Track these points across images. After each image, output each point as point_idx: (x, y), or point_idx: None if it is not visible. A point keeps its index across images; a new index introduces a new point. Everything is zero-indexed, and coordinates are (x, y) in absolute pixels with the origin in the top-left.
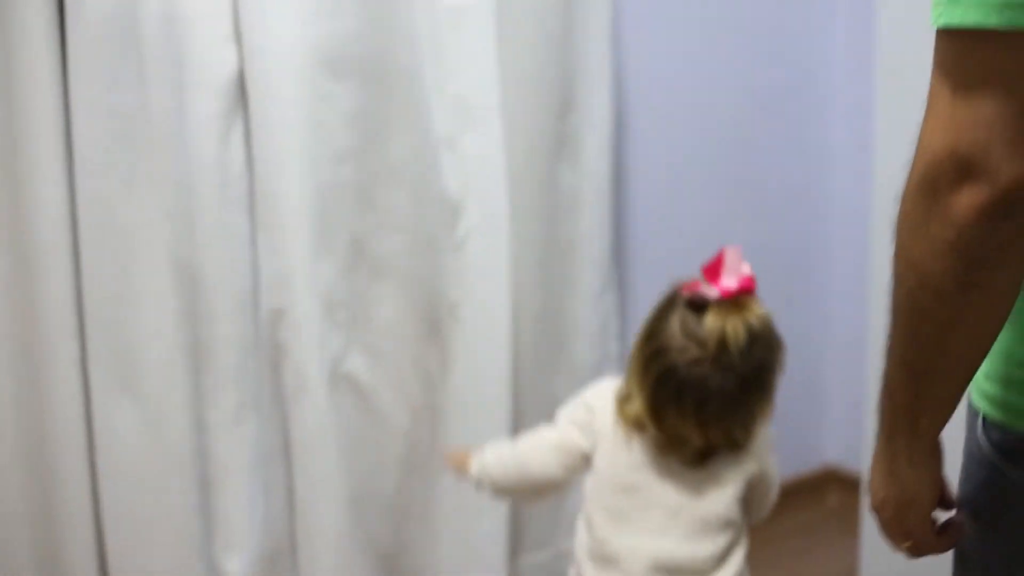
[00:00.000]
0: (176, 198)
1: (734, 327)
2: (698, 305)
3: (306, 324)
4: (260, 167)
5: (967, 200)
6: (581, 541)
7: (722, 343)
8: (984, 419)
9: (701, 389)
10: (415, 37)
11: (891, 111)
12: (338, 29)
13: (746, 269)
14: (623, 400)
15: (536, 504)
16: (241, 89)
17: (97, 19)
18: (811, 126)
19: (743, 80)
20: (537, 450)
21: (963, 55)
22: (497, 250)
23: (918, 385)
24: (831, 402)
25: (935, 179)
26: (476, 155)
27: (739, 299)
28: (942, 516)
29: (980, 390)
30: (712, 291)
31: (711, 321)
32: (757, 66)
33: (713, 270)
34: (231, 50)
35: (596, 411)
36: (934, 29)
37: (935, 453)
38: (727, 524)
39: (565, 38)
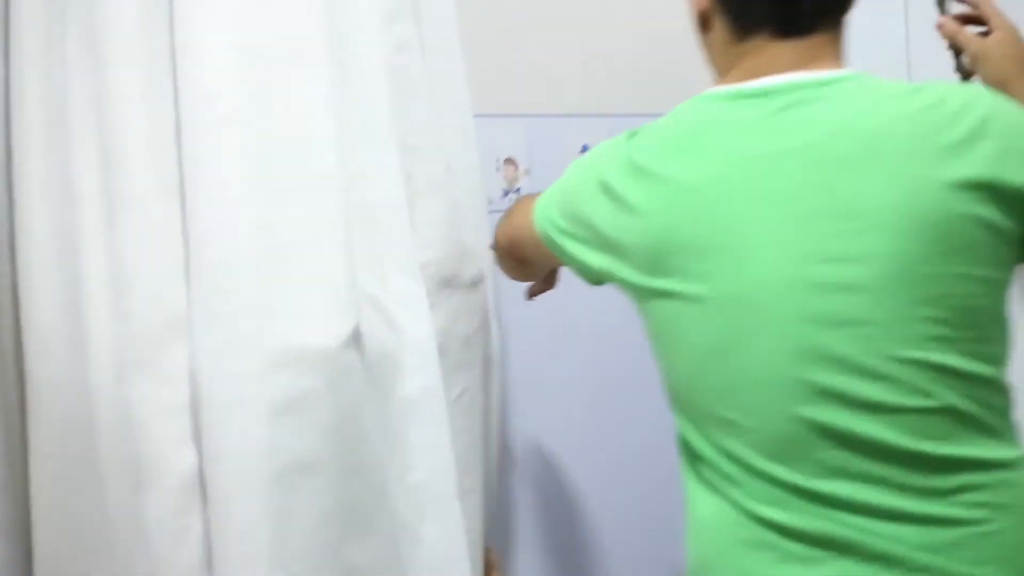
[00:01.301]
0: None
1: None
2: None
3: None
4: (221, 567)
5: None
6: None
7: None
8: None
9: None
10: (374, 429)
11: None
12: (303, 425)
13: None
14: None
15: None
16: (201, 487)
17: (48, 424)
18: None
19: None
20: None
21: (530, 216)
22: None
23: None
24: None
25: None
26: (440, 542)
27: None
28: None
29: None
30: None
31: None
32: None
33: None
34: (190, 450)
35: None
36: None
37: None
38: None
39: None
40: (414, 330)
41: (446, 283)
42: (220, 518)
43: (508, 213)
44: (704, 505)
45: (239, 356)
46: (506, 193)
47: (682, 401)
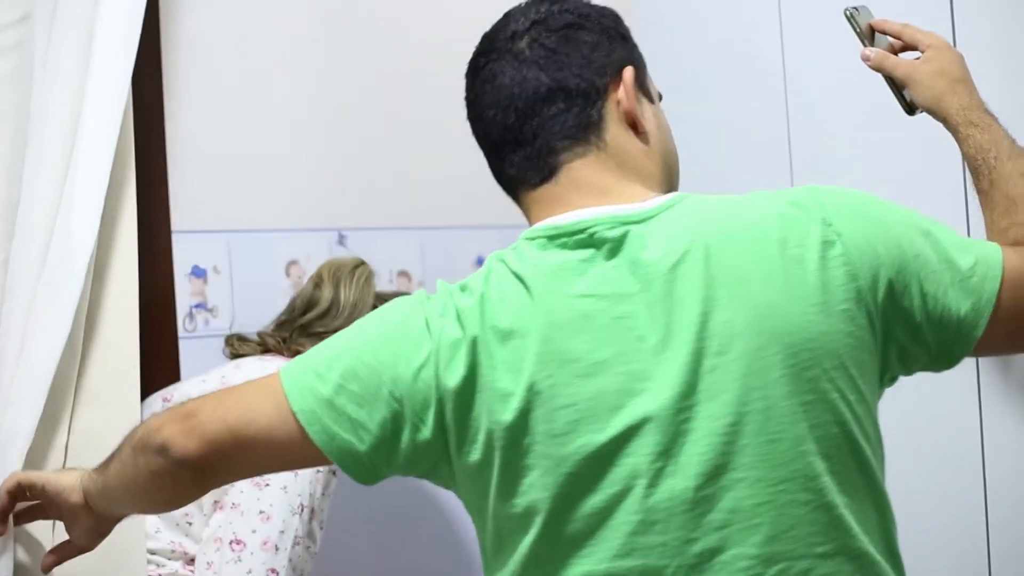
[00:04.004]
0: None
1: None
2: None
3: None
4: None
5: None
6: None
7: None
8: None
9: None
10: None
11: None
12: None
13: None
14: None
15: None
16: None
17: None
18: None
19: None
20: None
21: (274, 395)
22: None
23: None
24: None
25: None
26: None
27: None
28: None
29: None
30: None
31: None
32: None
33: None
34: None
35: None
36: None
37: None
38: None
39: None
40: None
41: None
42: None
43: (185, 414)
44: None
45: None
46: None
47: None
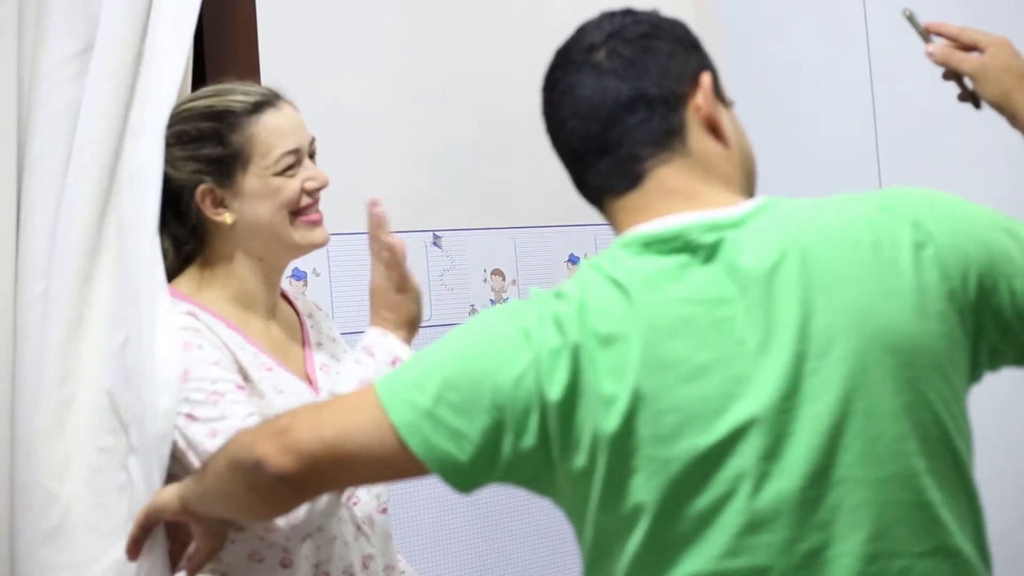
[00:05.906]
0: None
1: None
2: None
3: None
4: None
5: None
6: None
7: None
8: None
9: None
10: None
11: None
12: None
13: None
14: None
15: None
16: None
17: None
18: None
19: None
20: None
21: (370, 410)
22: None
23: None
24: None
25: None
26: None
27: None
28: None
29: None
30: None
31: None
32: None
33: None
34: None
35: None
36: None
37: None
38: None
39: None
40: None
41: None
42: None
43: (280, 430)
44: None
45: None
46: (492, 303)
47: None
